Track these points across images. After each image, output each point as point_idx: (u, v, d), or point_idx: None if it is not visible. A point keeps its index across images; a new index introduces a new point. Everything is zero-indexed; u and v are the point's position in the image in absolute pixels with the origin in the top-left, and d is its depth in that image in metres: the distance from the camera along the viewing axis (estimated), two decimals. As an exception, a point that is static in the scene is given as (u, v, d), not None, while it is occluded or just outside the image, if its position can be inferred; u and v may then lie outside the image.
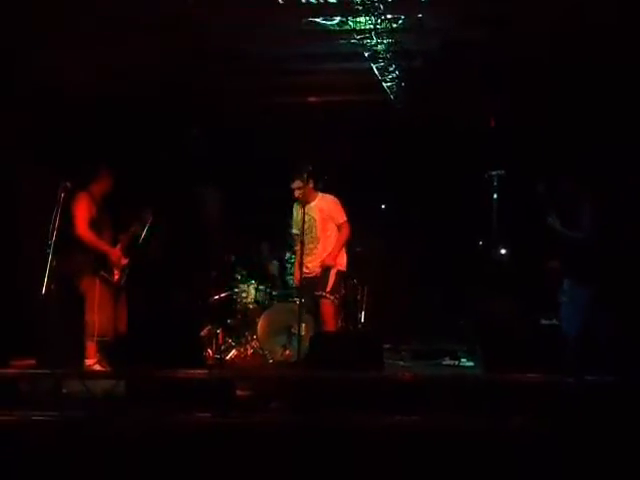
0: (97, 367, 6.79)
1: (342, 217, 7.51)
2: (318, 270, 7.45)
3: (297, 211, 7.57)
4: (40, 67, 7.15)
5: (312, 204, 7.42)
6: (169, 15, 6.27)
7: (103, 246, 6.95)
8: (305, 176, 7.31)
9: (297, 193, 7.43)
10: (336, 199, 7.58)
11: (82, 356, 6.87)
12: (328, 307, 7.40)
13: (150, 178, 8.57)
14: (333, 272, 7.45)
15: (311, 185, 7.42)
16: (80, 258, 6.84)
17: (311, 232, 7.42)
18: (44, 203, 6.23)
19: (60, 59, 7.05)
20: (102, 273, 6.91)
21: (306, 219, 7.15)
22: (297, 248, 7.48)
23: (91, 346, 6.86)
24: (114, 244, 7.12)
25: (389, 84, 7.80)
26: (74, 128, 7.91)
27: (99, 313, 6.85)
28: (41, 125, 7.77)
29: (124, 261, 7.15)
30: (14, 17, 6.09)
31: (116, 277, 7.06)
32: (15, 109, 7.30)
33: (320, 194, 7.55)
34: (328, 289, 7.40)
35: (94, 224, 6.91)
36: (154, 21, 6.38)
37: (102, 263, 6.95)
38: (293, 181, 7.42)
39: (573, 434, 4.10)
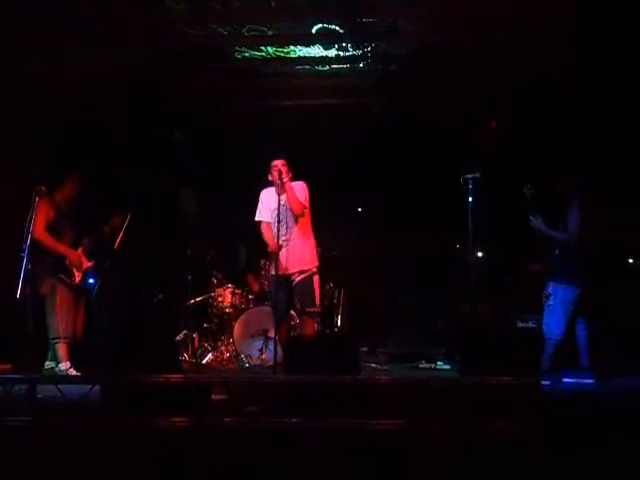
0: (72, 372, 6.74)
1: (306, 203, 6.81)
2: (294, 270, 6.76)
3: (268, 197, 6.90)
4: (11, 69, 7.13)
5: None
6: (146, 18, 6.29)
7: (60, 248, 6.90)
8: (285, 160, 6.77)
9: (279, 170, 6.65)
10: (305, 184, 6.87)
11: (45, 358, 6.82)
12: (312, 322, 6.90)
13: (127, 179, 8.56)
14: (316, 280, 6.85)
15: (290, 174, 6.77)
16: (41, 259, 6.77)
17: (284, 221, 6.74)
18: (21, 207, 6.20)
19: (30, 61, 7.05)
20: (61, 276, 6.87)
21: (281, 209, 6.68)
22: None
23: (63, 348, 6.81)
24: (76, 247, 7.08)
25: (366, 87, 7.83)
26: (47, 132, 7.90)
27: (61, 315, 6.82)
28: (16, 129, 7.74)
29: (86, 264, 7.11)
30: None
31: (77, 279, 7.01)
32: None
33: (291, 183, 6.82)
34: (317, 302, 6.88)
35: (52, 227, 6.87)
36: (129, 23, 6.39)
37: (61, 265, 6.92)
38: (275, 159, 6.76)
39: (552, 437, 4.12)
